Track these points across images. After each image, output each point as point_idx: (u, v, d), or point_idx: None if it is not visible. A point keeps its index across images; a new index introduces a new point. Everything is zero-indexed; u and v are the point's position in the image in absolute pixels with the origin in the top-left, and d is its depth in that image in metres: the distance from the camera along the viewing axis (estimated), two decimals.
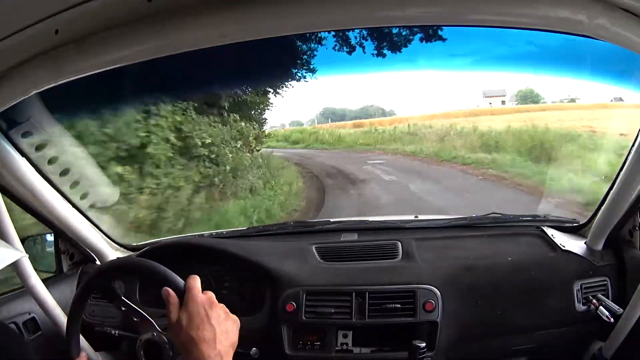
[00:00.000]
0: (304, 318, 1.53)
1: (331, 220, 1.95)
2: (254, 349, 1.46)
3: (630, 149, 1.34)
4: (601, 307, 1.49)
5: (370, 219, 1.97)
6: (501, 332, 1.58)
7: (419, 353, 1.31)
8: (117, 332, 1.48)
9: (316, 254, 1.72)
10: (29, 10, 0.89)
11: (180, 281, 1.28)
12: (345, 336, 1.52)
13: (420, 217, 1.96)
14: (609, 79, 1.49)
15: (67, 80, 1.07)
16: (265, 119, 8.77)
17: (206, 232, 2.02)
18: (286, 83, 7.42)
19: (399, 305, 1.50)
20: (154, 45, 0.95)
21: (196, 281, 1.07)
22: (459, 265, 1.61)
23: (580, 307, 1.56)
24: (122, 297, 1.35)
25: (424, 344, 1.31)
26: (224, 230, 2.01)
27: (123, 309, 1.34)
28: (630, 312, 1.45)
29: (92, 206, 1.80)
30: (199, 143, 5.92)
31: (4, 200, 1.43)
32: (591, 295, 1.55)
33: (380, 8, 0.81)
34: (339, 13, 0.82)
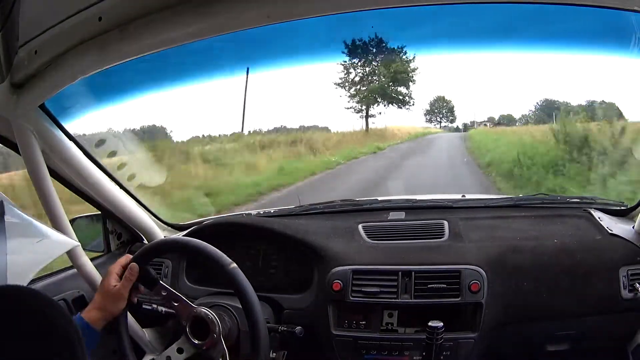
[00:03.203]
0: (350, 297, 1.52)
1: (378, 199, 1.95)
2: (298, 327, 1.47)
3: None
4: None
5: (418, 197, 1.94)
6: (545, 315, 1.55)
7: (436, 334, 1.29)
8: (163, 309, 1.52)
9: (363, 232, 1.72)
10: None
11: (227, 259, 1.30)
12: (390, 315, 1.52)
13: (468, 196, 1.94)
14: None
15: (112, 65, 1.09)
16: None
17: (253, 211, 2.04)
18: None
19: (445, 286, 1.49)
20: (198, 28, 0.94)
21: None
22: (505, 246, 1.58)
23: (626, 294, 1.51)
24: (161, 282, 1.39)
25: (441, 324, 1.29)
26: (271, 209, 2.02)
27: (164, 293, 1.38)
28: None
29: (140, 187, 1.85)
30: None
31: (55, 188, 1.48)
32: (638, 283, 1.50)
33: None
34: None
